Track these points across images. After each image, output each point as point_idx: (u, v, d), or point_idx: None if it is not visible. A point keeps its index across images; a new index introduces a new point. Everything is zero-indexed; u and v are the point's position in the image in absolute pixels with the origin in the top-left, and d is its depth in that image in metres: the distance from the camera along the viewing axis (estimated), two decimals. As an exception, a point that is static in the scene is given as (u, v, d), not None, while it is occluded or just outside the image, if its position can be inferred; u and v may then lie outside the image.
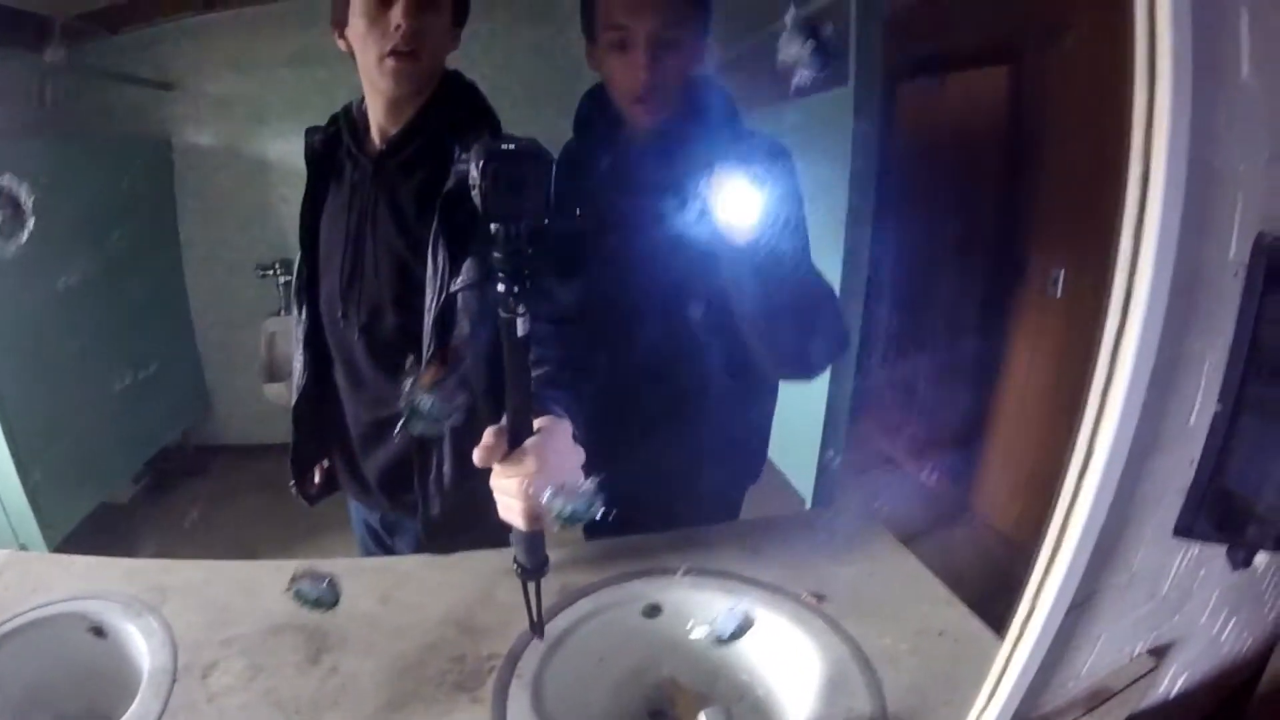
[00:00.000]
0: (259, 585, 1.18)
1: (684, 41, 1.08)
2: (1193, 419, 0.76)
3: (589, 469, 0.85)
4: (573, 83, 2.17)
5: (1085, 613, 0.81)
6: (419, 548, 1.28)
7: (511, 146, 0.68)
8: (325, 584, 1.04)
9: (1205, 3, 0.62)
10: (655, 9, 1.05)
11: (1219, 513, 0.84)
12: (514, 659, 1.02)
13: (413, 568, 1.22)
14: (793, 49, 0.73)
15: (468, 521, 1.16)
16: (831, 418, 2.05)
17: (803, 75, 0.73)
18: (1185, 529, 0.85)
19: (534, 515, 0.79)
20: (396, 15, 1.04)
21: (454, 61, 1.19)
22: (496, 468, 0.78)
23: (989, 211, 2.50)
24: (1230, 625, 1.27)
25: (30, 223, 0.80)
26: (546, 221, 0.71)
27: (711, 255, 0.96)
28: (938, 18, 2.39)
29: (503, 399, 0.78)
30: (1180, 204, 0.54)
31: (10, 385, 1.67)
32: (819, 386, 2.02)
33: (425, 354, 1.12)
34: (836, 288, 1.87)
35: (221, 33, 2.13)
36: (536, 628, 0.95)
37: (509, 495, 0.79)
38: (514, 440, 0.77)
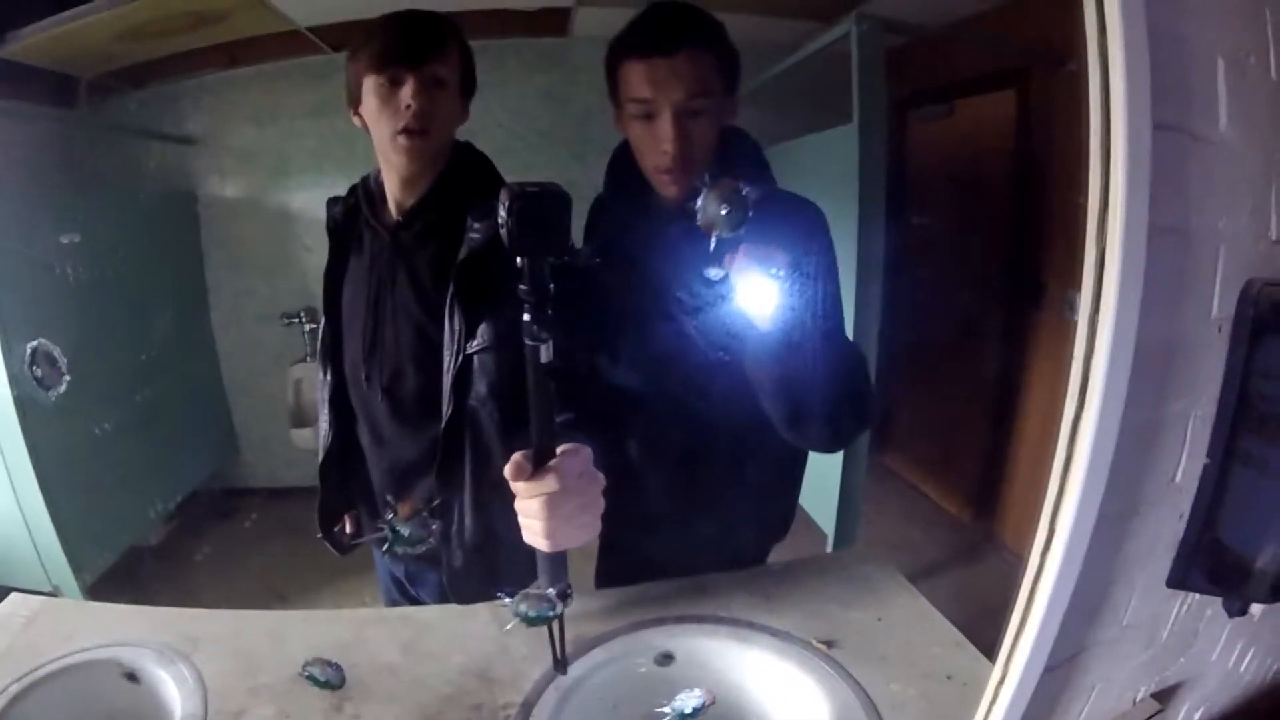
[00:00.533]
0: (286, 634, 1.23)
1: (711, 108, 1.07)
2: (1179, 476, 0.78)
3: (610, 527, 0.91)
4: (584, 127, 2.24)
5: (1073, 669, 0.83)
6: (442, 598, 1.33)
7: (535, 188, 0.75)
8: (333, 669, 1.11)
9: (1173, 44, 0.64)
10: (680, 82, 1.04)
11: (1212, 565, 0.85)
12: (528, 708, 1.05)
13: (433, 618, 1.26)
14: (710, 210, 0.79)
15: (490, 572, 1.22)
16: (852, 454, 2.07)
17: (721, 234, 0.79)
18: (1178, 581, 0.86)
19: (556, 537, 0.86)
20: (406, 96, 1.10)
21: (471, 115, 1.23)
22: (521, 489, 0.84)
23: (1004, 235, 2.50)
24: (1250, 656, 1.27)
25: (67, 377, 0.87)
26: (566, 258, 0.79)
27: (738, 321, 0.99)
28: (943, 46, 2.42)
29: (520, 448, 0.84)
30: (1139, 294, 0.57)
31: (43, 431, 1.75)
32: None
33: (445, 413, 1.17)
34: (851, 319, 1.89)
35: (242, 87, 2.22)
36: (560, 664, 1.01)
37: (532, 517, 0.85)
38: (538, 462, 0.84)
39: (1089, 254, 0.58)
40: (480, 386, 1.15)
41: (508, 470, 0.84)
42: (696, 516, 1.26)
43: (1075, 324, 0.66)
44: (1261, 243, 0.78)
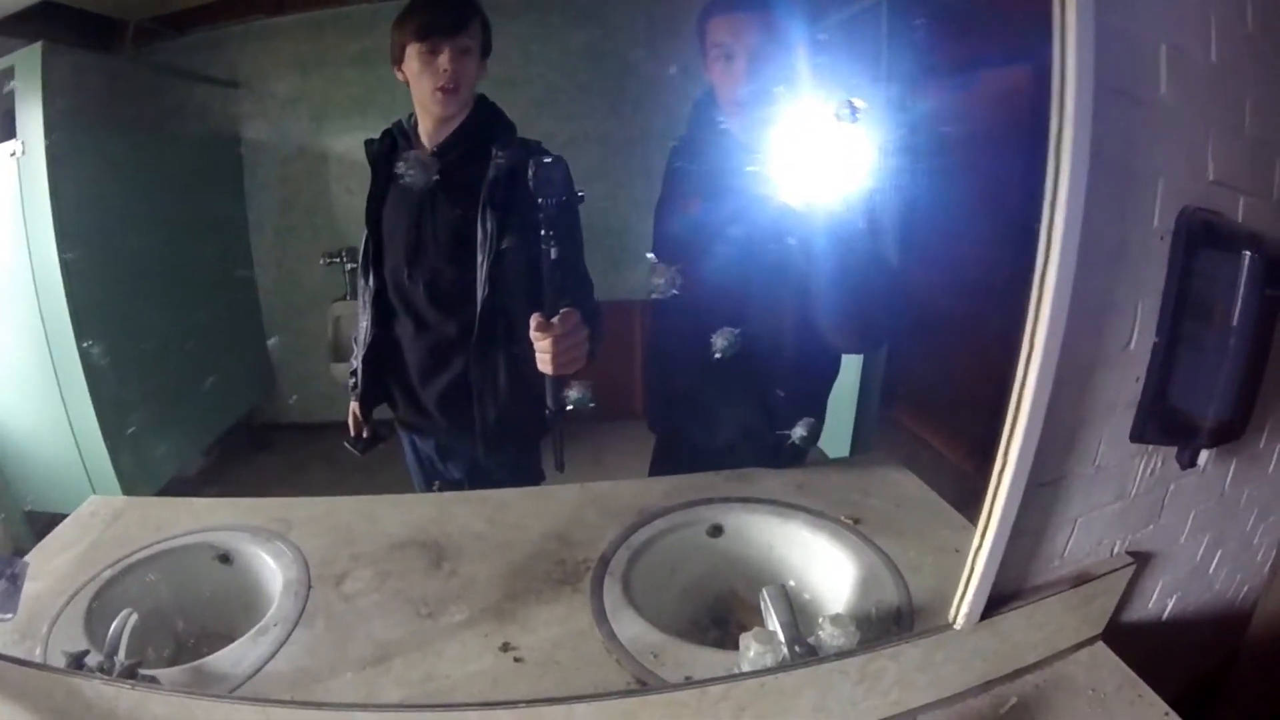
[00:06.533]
0: (377, 514, 1.60)
1: (782, 54, 1.48)
2: (1132, 345, 1.16)
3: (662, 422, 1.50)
4: (621, 81, 2.56)
5: (1057, 494, 1.21)
6: (472, 469, 1.80)
7: (548, 160, 1.40)
8: None
9: (1123, 38, 1.03)
10: (754, 28, 1.47)
11: (1164, 422, 1.24)
12: (605, 561, 1.43)
13: (512, 497, 1.65)
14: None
15: (514, 426, 1.72)
16: (864, 400, 2.43)
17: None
18: (1139, 435, 1.25)
19: (557, 364, 1.44)
20: (443, 62, 1.55)
21: (509, 67, 1.78)
22: (537, 334, 1.42)
23: (1014, 201, 2.84)
24: (1217, 559, 1.65)
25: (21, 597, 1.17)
26: (565, 198, 1.42)
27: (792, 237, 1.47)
28: (966, 19, 2.77)
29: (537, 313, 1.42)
30: (1083, 194, 0.94)
31: (100, 363, 2.08)
32: (853, 369, 2.40)
33: (481, 294, 1.62)
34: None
35: (286, 34, 2.53)
36: (560, 464, 1.60)
37: (543, 352, 1.44)
38: (548, 317, 1.42)
39: (1049, 166, 0.97)
40: (510, 273, 1.60)
41: (531, 323, 1.42)
42: (738, 412, 1.68)
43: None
44: (1200, 182, 1.17)
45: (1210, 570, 1.67)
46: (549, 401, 1.53)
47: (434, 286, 1.68)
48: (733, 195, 1.52)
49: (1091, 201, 0.98)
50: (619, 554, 1.44)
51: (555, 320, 1.42)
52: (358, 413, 1.86)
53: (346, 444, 1.88)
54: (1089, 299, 1.05)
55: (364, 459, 1.88)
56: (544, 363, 1.46)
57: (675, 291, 1.50)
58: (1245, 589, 1.83)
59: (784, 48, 1.49)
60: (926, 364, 3.12)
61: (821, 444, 2.61)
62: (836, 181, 1.41)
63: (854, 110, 1.31)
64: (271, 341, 2.48)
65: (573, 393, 1.52)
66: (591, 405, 1.54)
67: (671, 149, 1.70)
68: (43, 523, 1.77)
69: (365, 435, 1.87)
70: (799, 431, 1.63)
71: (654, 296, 1.57)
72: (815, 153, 1.42)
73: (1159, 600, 1.57)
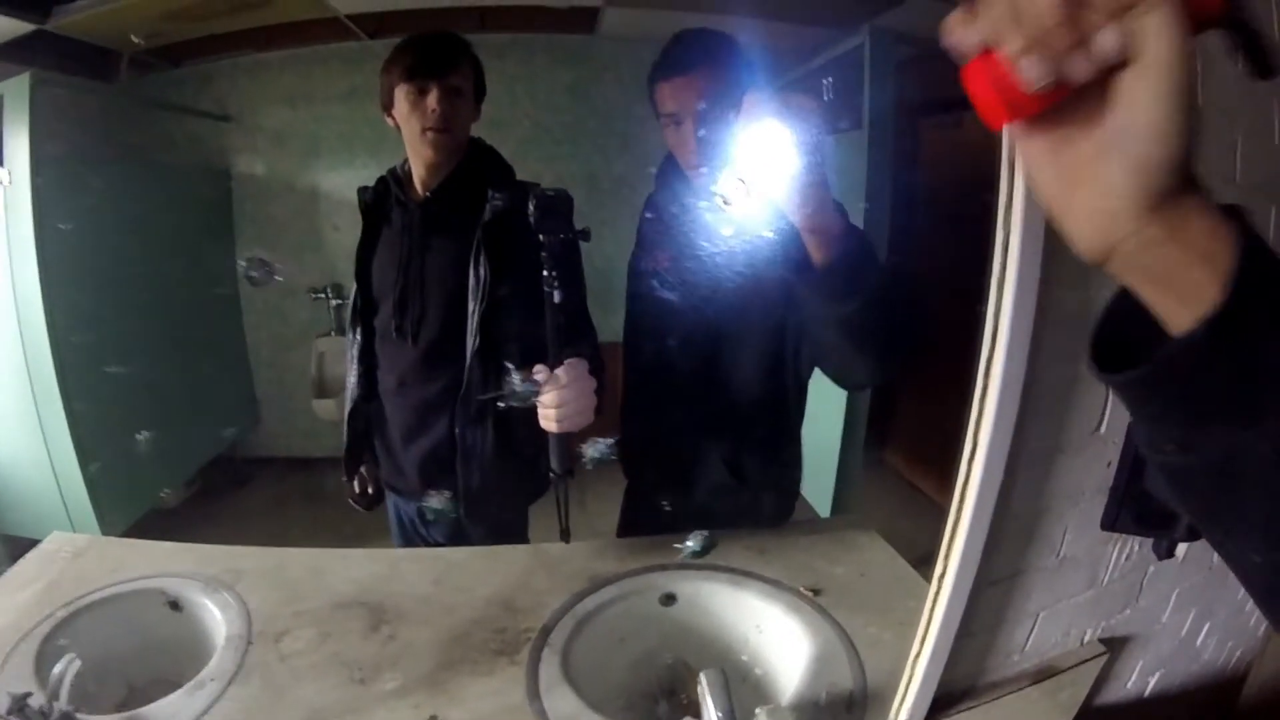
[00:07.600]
0: (326, 568, 1.50)
1: (731, 115, 1.38)
2: (1102, 428, 1.04)
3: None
4: (606, 121, 2.51)
5: (1015, 589, 1.09)
6: (453, 532, 1.66)
7: (551, 192, 1.31)
8: (266, 268, 1.46)
9: None
10: (696, 96, 1.34)
11: (1140, 511, 1.11)
12: (547, 632, 1.32)
13: (462, 558, 1.54)
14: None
15: (501, 489, 1.59)
16: (850, 440, 2.33)
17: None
18: (1110, 523, 1.12)
19: (562, 420, 1.29)
20: (431, 102, 1.45)
21: (496, 107, 1.60)
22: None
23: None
24: (1205, 630, 1.51)
25: (278, 278, 1.13)
26: (565, 236, 1.31)
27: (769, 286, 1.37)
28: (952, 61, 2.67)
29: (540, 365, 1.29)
30: (1039, 256, 0.83)
31: (80, 393, 2.03)
32: (835, 415, 2.29)
33: (470, 348, 1.50)
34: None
35: (277, 70, 2.49)
36: (565, 533, 1.48)
37: (547, 406, 1.30)
38: (551, 369, 1.29)
39: (998, 237, 0.85)
40: (503, 323, 1.50)
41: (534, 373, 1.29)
42: (696, 470, 1.57)
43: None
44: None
45: (1198, 642, 1.53)
46: (553, 463, 1.38)
47: (421, 339, 1.58)
48: (698, 255, 1.41)
49: (1050, 265, 0.86)
50: (563, 623, 1.34)
51: (559, 371, 1.29)
52: (347, 470, 1.76)
53: (350, 500, 1.77)
54: (1047, 381, 0.93)
55: (368, 513, 1.80)
56: (546, 419, 1.31)
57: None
58: (1238, 655, 1.69)
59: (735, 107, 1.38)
60: (913, 402, 3.01)
61: (805, 494, 2.51)
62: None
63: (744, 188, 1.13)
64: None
65: (589, 450, 1.36)
66: (613, 459, 1.38)
67: (645, 202, 1.60)
68: (20, 547, 1.69)
69: (370, 491, 1.78)
70: (690, 545, 1.46)
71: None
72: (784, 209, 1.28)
73: (1139, 680, 1.44)
